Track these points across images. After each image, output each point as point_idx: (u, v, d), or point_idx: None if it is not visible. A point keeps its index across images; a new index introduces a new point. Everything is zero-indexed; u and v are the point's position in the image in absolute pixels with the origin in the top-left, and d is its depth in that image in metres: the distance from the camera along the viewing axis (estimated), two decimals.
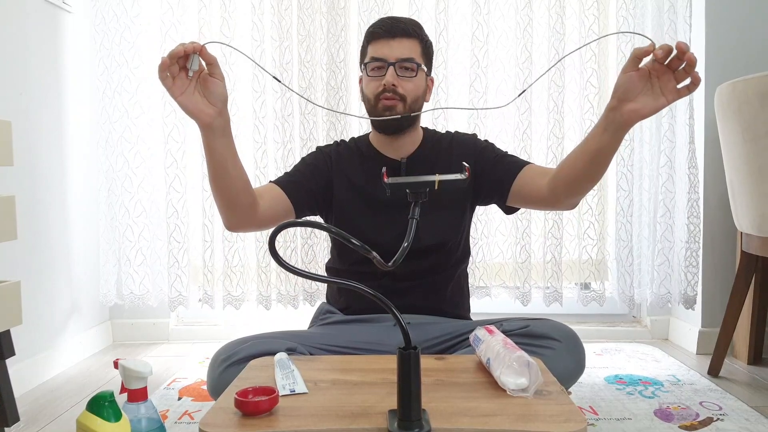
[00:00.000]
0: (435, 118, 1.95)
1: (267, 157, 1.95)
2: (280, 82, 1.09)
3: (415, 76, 1.19)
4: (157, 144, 2.00)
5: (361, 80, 1.26)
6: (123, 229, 2.00)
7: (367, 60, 1.21)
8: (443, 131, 1.34)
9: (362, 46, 1.26)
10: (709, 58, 1.88)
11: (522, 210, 1.94)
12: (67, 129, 1.87)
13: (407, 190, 0.91)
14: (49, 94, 1.79)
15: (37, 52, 1.73)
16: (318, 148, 1.33)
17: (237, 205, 1.10)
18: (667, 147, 1.91)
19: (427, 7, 1.91)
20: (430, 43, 1.25)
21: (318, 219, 1.26)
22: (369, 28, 1.24)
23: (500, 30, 1.95)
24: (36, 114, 1.72)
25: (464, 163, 0.97)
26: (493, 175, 1.23)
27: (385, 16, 1.30)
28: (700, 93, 1.90)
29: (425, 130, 1.31)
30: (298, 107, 1.94)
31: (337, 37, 1.91)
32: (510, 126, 1.95)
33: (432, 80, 1.28)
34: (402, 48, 1.18)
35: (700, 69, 1.89)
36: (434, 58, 1.52)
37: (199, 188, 1.99)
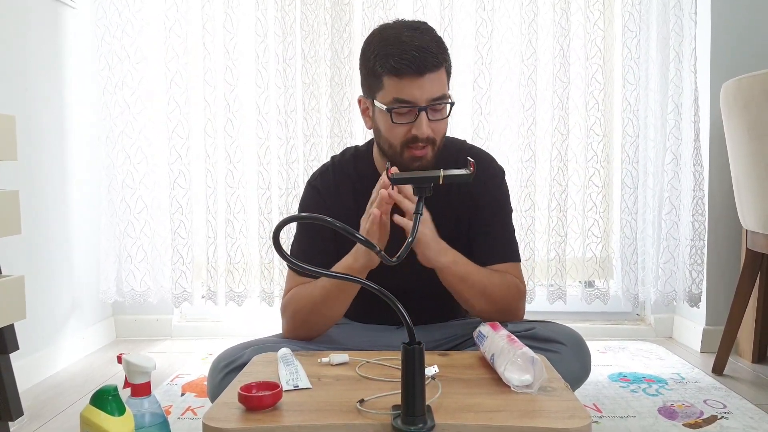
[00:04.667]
0: None
1: (270, 154, 1.95)
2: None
3: (448, 114, 1.04)
4: (160, 140, 2.00)
5: (363, 105, 1.10)
6: (124, 226, 2.00)
7: (389, 102, 1.01)
8: (453, 139, 1.20)
9: (374, 72, 1.02)
10: (715, 54, 1.87)
11: (525, 207, 1.95)
12: (68, 124, 1.87)
13: (412, 185, 0.90)
14: (50, 90, 1.78)
15: (39, 47, 1.73)
16: (311, 185, 1.19)
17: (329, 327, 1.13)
18: (673, 144, 1.90)
19: (431, 3, 1.91)
20: (450, 58, 1.07)
21: None
22: (385, 54, 0.99)
23: (504, 26, 1.93)
24: (37, 109, 1.71)
25: (469, 158, 0.96)
26: (474, 237, 1.15)
27: (393, 27, 1.04)
28: (705, 90, 1.89)
29: None
30: (302, 103, 1.93)
31: (341, 33, 1.91)
32: (514, 122, 1.94)
33: None
34: (433, 86, 0.99)
35: (705, 66, 1.88)
36: None
37: (203, 184, 1.98)
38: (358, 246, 1.01)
